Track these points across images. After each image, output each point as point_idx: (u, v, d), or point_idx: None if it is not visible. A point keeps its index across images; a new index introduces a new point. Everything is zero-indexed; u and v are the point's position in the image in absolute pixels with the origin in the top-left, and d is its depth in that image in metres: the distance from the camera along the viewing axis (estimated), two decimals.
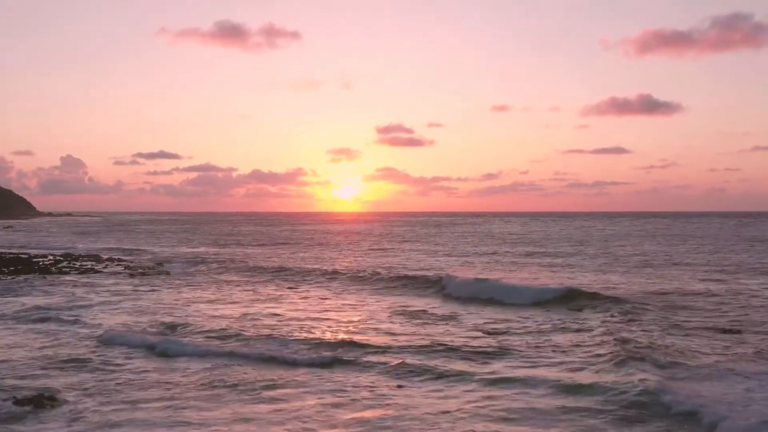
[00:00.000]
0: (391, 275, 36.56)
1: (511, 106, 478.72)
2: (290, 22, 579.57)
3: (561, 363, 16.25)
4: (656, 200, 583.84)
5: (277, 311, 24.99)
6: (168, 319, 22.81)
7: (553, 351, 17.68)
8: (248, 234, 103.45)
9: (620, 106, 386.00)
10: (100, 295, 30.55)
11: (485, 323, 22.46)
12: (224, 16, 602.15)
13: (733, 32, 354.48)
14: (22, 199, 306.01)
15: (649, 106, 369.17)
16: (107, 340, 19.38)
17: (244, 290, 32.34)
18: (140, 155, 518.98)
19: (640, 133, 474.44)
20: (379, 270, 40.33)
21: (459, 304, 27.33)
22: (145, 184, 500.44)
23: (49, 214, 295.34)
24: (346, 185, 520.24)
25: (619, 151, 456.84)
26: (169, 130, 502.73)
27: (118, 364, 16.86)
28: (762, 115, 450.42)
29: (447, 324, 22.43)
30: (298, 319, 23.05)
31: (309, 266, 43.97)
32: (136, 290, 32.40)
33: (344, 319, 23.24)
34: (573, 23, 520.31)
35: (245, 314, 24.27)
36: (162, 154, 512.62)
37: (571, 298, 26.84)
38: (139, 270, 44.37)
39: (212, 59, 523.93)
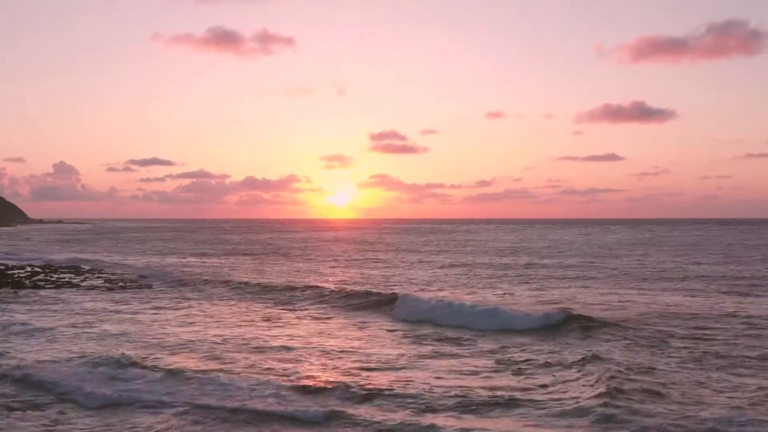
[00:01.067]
0: (391, 293, 32.77)
1: (505, 113, 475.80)
2: (284, 28, 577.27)
3: (587, 415, 13.31)
4: (648, 207, 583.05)
5: (263, 338, 22.04)
6: (129, 350, 19.65)
7: (579, 399, 14.37)
8: (239, 243, 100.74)
9: (614, 113, 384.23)
10: (68, 315, 27.71)
11: (496, 352, 19.71)
12: (218, 22, 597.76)
13: (728, 38, 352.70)
14: (13, 206, 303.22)
15: (643, 113, 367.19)
16: (29, 381, 16.00)
17: (230, 309, 29.61)
18: (133, 162, 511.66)
19: (633, 140, 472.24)
20: (376, 286, 37.76)
21: (467, 330, 23.71)
22: (138, 191, 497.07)
23: (40, 221, 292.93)
24: (339, 192, 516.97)
25: (612, 158, 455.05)
26: (163, 137, 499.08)
27: (39, 415, 13.85)
28: (756, 122, 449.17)
29: (462, 352, 19.61)
30: (287, 350, 19.99)
31: (301, 280, 41.30)
32: (109, 309, 29.57)
33: (341, 351, 19.98)
34: (568, 30, 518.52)
35: (226, 340, 21.42)
36: (155, 161, 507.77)
37: (577, 324, 23.15)
38: (120, 283, 41.86)
39: (206, 65, 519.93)
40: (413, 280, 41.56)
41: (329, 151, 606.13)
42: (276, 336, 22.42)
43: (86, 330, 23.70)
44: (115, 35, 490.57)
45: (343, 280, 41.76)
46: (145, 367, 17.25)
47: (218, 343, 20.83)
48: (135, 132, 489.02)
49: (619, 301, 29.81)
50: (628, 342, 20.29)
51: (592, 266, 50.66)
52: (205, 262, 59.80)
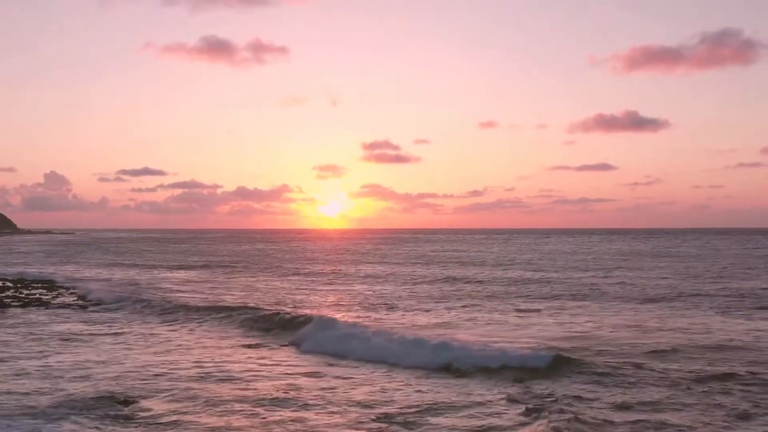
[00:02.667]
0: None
1: (498, 123, 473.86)
2: (278, 38, 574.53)
3: None
4: (640, 217, 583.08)
5: (225, 379, 18.02)
6: (67, 394, 15.82)
7: None
8: (224, 254, 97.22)
9: (607, 123, 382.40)
10: (25, 342, 24.09)
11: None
12: (211, 31, 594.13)
13: (722, 48, 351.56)
14: (1, 216, 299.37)
15: (636, 122, 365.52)
16: None
17: (198, 337, 25.98)
18: (124, 172, 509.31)
19: (626, 149, 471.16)
20: (365, 309, 34.35)
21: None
22: (130, 201, 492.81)
23: (28, 232, 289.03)
24: (331, 202, 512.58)
25: (604, 167, 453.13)
26: (154, 146, 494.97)
27: None
28: (748, 131, 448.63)
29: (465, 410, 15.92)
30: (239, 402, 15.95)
31: (282, 297, 38.03)
32: (74, 334, 26.04)
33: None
34: (561, 39, 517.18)
35: (183, 385, 17.75)
36: (147, 171, 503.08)
37: (573, 369, 18.18)
38: (93, 301, 38.41)
39: (198, 75, 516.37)
40: (387, 299, 38.22)
41: (322, 160, 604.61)
42: (238, 389, 18.87)
43: (36, 363, 20.06)
44: (106, 44, 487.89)
45: (345, 301, 38.55)
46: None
47: (164, 397, 17.01)
48: (126, 142, 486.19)
49: (654, 326, 26.15)
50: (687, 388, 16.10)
51: (606, 280, 47.16)
52: (188, 277, 56.80)
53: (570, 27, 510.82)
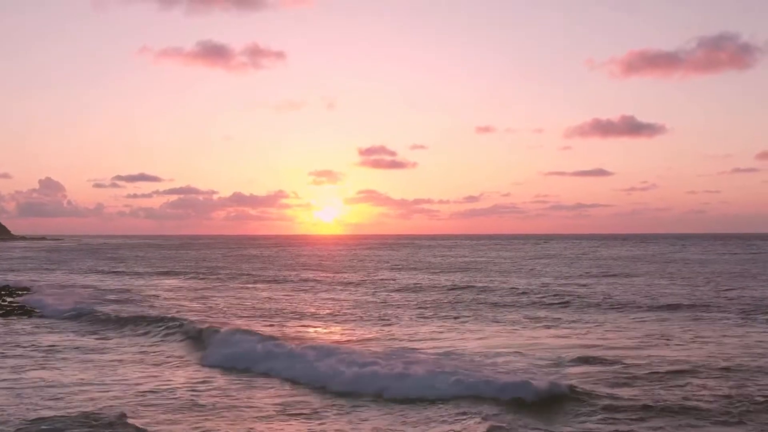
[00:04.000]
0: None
1: (495, 128, 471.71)
2: (275, 42, 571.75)
3: None
4: (635, 222, 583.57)
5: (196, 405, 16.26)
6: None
7: None
8: (216, 260, 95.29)
9: (603, 128, 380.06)
10: (5, 355, 22.18)
11: None
12: (207, 36, 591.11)
13: (720, 52, 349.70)
14: None
15: (633, 127, 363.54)
16: None
17: (169, 351, 24.00)
18: (120, 178, 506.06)
19: (622, 155, 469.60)
20: (359, 320, 32.43)
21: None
22: (125, 207, 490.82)
23: (23, 238, 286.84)
24: (327, 207, 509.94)
25: (600, 173, 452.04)
26: (150, 152, 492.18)
27: None
28: (744, 137, 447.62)
29: None
30: None
31: (263, 306, 36.09)
32: (53, 346, 24.16)
33: None
34: (558, 43, 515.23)
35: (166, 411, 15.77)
36: (142, 177, 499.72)
37: (589, 397, 15.41)
38: (62, 313, 36.36)
39: (195, 79, 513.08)
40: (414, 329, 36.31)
41: (318, 166, 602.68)
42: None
43: (9, 378, 18.20)
44: (102, 49, 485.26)
45: (341, 311, 36.61)
46: None
47: None
48: (122, 147, 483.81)
49: (684, 339, 24.13)
50: None
51: (616, 287, 45.09)
52: (174, 285, 55.26)
53: (567, 31, 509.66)
